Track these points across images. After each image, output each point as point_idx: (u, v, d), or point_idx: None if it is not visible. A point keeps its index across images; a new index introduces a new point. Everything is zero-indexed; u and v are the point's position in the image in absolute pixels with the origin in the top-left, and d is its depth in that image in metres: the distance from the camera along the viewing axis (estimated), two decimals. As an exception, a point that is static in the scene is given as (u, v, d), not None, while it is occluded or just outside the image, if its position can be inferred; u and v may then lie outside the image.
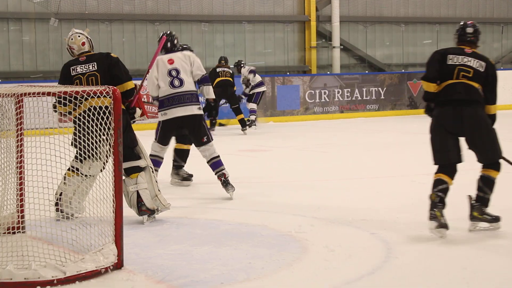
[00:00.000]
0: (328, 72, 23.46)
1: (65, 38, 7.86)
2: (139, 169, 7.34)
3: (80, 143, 6.38)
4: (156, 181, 7.54)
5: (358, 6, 24.51)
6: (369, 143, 15.25)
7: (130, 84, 7.70)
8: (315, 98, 21.72)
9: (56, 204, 6.88)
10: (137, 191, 7.30)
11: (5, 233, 6.33)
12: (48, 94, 6.10)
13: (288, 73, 22.53)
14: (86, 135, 6.34)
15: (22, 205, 6.62)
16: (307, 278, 5.53)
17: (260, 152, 14.04)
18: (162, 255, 6.19)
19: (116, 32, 20.99)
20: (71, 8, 20.27)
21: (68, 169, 7.09)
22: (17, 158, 6.48)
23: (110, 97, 5.85)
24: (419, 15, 25.39)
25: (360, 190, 9.36)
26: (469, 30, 7.14)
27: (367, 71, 24.14)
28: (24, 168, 6.64)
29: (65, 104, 6.42)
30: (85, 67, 7.56)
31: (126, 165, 6.87)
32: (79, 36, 7.73)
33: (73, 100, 6.33)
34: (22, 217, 6.64)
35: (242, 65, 19.30)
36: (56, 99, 6.64)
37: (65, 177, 7.14)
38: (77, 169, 7.18)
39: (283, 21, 23.45)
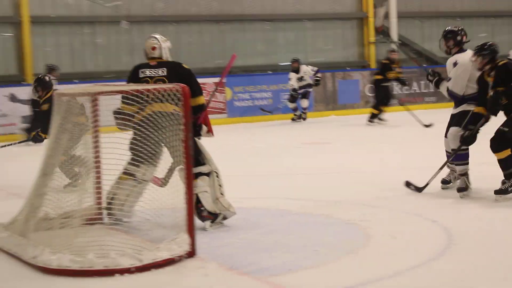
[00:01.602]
0: (387, 67, 23.21)
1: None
2: (200, 175, 6.80)
3: (138, 148, 6.42)
4: (220, 185, 6.97)
5: (415, 2, 24.23)
6: (430, 134, 15.05)
7: (201, 99, 7.14)
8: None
9: (107, 207, 6.71)
10: (197, 195, 6.72)
11: (85, 224, 6.45)
12: (121, 92, 6.19)
13: (348, 68, 22.39)
14: (145, 140, 6.38)
15: (100, 198, 6.73)
16: (370, 265, 5.51)
17: (322, 145, 13.99)
18: (232, 243, 6.22)
19: (183, 33, 21.09)
20: (141, 10, 20.43)
21: (123, 173, 6.82)
22: (94, 154, 6.58)
23: (180, 94, 5.90)
24: (475, 9, 24.96)
25: (422, 179, 9.24)
26: None
27: (424, 65, 23.84)
28: (101, 163, 6.75)
29: (131, 104, 6.39)
30: (155, 71, 7.06)
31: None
32: (152, 40, 7.39)
33: (138, 102, 6.35)
34: (100, 209, 6.74)
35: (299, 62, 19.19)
36: (122, 99, 6.63)
37: (118, 180, 6.83)
38: (132, 174, 6.79)
39: (342, 18, 23.30)
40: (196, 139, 6.81)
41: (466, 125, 7.91)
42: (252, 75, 20.86)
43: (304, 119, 19.10)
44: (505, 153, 7.61)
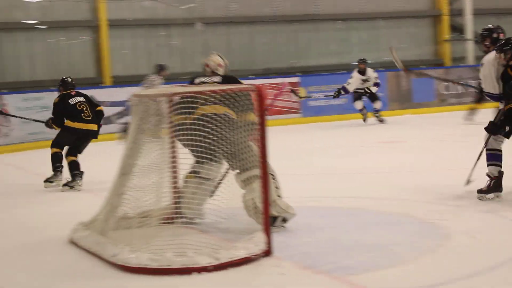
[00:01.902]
0: (462, 64, 22.86)
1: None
2: (255, 178, 6.50)
3: (195, 148, 6.41)
4: (277, 188, 6.77)
5: (490, -2, 23.84)
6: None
7: (252, 117, 6.83)
8: (450, 89, 21.23)
9: (176, 207, 6.69)
10: (254, 199, 6.47)
11: (162, 223, 6.50)
12: (197, 93, 6.21)
13: (422, 67, 22.10)
14: (200, 141, 6.37)
15: (177, 197, 6.77)
16: (449, 264, 5.42)
17: (398, 143, 13.84)
18: (308, 242, 6.19)
19: (257, 33, 21.15)
20: (215, 12, 20.56)
21: (189, 172, 6.86)
22: (171, 154, 6.63)
23: (255, 94, 5.89)
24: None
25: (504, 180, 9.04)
26: None
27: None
28: (177, 163, 6.80)
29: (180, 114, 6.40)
30: (210, 79, 7.25)
31: (242, 176, 6.55)
32: (219, 58, 7.50)
33: (194, 102, 6.40)
34: (178, 208, 6.78)
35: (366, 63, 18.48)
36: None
37: (185, 179, 6.87)
38: (197, 172, 6.80)
39: (416, 16, 23.04)
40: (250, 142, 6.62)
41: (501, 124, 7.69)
42: (326, 75, 20.77)
43: (382, 120, 18.29)
44: None
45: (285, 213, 6.67)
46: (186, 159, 6.55)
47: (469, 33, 23.01)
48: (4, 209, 8.85)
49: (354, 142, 14.60)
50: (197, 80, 7.29)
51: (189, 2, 20.29)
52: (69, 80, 11.51)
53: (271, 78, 19.62)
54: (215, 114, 6.41)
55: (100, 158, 13.85)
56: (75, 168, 10.37)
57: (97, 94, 17.55)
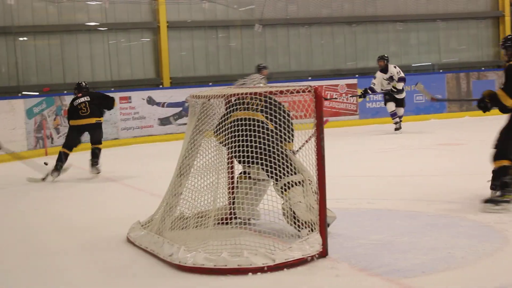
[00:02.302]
0: (524, 66, 22.48)
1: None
2: (293, 184, 6.40)
3: (239, 150, 6.40)
4: (316, 193, 6.33)
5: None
6: None
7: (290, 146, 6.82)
8: None
9: (231, 207, 6.72)
10: (291, 207, 6.35)
11: (218, 223, 6.52)
12: (254, 94, 6.22)
13: (483, 68, 21.81)
14: (243, 142, 6.35)
15: (233, 198, 6.78)
16: (509, 268, 5.33)
17: (457, 146, 13.67)
18: (364, 244, 6.15)
19: (315, 35, 21.12)
20: (274, 14, 20.59)
21: (241, 173, 6.84)
22: (227, 155, 6.66)
23: (312, 95, 5.88)
24: None
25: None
26: None
27: None
28: (234, 164, 6.82)
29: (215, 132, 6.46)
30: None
31: (279, 184, 6.38)
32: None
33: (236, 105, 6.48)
34: (234, 209, 6.79)
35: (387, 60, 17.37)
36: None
37: (238, 180, 6.84)
38: (248, 173, 6.74)
39: (476, 18, 22.74)
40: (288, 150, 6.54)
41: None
42: (384, 76, 20.63)
43: (398, 129, 17.17)
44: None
45: (329, 219, 6.49)
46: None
47: (531, 34, 22.64)
48: (64, 207, 8.99)
49: (412, 143, 14.47)
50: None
51: (248, 4, 20.36)
52: (83, 84, 12.63)
53: (329, 79, 19.57)
54: (253, 119, 6.41)
55: (158, 158, 13.99)
56: (59, 158, 11.79)
57: (155, 95, 17.74)
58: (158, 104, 17.72)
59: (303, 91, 5.93)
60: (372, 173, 10.52)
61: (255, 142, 6.27)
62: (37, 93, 17.09)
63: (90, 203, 9.18)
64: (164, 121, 17.76)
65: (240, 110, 6.55)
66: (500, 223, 6.65)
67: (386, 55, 17.27)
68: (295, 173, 6.39)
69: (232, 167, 6.99)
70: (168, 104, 17.79)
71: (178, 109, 17.85)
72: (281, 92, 6.07)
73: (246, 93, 6.25)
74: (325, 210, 5.88)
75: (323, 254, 5.74)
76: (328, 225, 6.31)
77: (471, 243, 6.02)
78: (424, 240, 6.20)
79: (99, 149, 12.10)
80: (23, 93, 17.34)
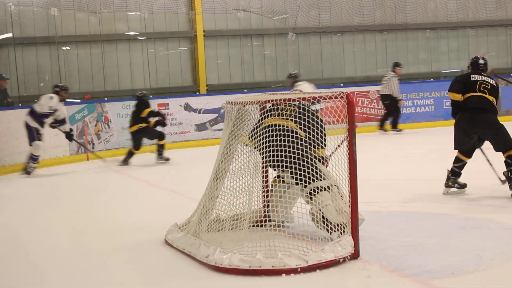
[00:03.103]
0: (552, 72, 22.30)
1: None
2: (320, 189, 6.37)
3: (272, 154, 6.40)
4: (342, 196, 6.36)
5: None
6: None
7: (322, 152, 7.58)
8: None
9: (265, 210, 6.83)
10: (321, 210, 6.31)
11: (253, 226, 6.54)
12: (288, 100, 6.24)
13: (511, 74, 21.60)
14: (273, 148, 6.36)
15: (268, 201, 6.81)
16: (536, 270, 5.29)
17: (487, 150, 13.52)
18: (394, 246, 6.13)
19: (347, 42, 21.08)
20: (307, 22, 20.59)
21: (276, 176, 6.88)
22: (262, 159, 6.68)
23: (344, 101, 5.88)
24: None
25: None
26: (481, 61, 8.91)
27: None
28: (268, 167, 6.84)
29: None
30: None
31: (306, 190, 6.35)
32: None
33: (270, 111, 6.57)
34: (268, 211, 6.82)
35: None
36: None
37: (273, 184, 6.88)
38: (282, 177, 6.78)
39: (506, 25, 22.54)
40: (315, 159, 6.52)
41: None
42: (415, 83, 20.54)
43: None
44: None
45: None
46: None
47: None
48: (104, 211, 9.07)
49: (441, 148, 14.36)
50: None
51: (282, 13, 20.38)
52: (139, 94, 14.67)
53: (360, 86, 19.51)
54: (283, 126, 6.43)
55: (195, 162, 14.04)
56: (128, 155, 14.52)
57: (192, 102, 17.82)
58: (195, 110, 17.79)
59: (336, 97, 5.94)
60: (402, 177, 10.49)
61: (285, 148, 6.29)
62: (79, 100, 17.24)
63: (130, 207, 9.25)
64: (200, 127, 17.83)
65: (273, 117, 6.58)
66: (528, 226, 6.61)
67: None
68: (322, 179, 6.39)
69: (266, 171, 7.01)
70: (205, 111, 17.86)
71: (214, 115, 17.91)
72: (314, 98, 6.08)
73: (280, 100, 6.27)
74: (357, 213, 5.88)
75: (355, 255, 5.75)
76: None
77: (499, 245, 5.99)
78: (453, 242, 6.18)
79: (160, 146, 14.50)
80: (66, 100, 17.52)
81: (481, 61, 8.99)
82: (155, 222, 7.77)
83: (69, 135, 14.08)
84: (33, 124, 13.36)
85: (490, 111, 8.54)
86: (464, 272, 5.28)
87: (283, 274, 5.37)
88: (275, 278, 5.34)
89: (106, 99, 17.69)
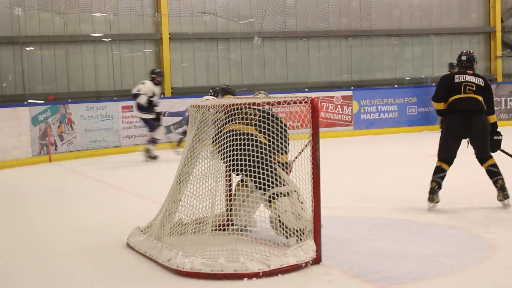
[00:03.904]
0: (514, 81, 22.58)
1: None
2: (280, 195, 6.34)
3: (233, 159, 6.40)
4: (302, 202, 6.33)
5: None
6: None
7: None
8: (501, 105, 20.94)
9: (228, 214, 6.78)
10: (279, 216, 6.31)
11: (216, 229, 6.53)
12: (253, 104, 6.23)
13: (474, 82, 21.82)
14: (234, 152, 6.36)
15: (231, 205, 6.80)
16: (495, 276, 5.34)
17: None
18: (356, 251, 6.15)
19: (312, 48, 21.14)
20: (273, 27, 20.61)
21: (238, 181, 6.87)
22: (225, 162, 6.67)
23: (308, 106, 5.89)
24: None
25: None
26: (463, 57, 8.55)
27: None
28: (231, 171, 6.82)
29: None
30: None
31: (266, 195, 6.36)
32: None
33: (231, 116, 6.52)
34: (231, 215, 6.81)
35: None
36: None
37: (236, 188, 6.88)
38: (245, 181, 6.77)
39: (469, 33, 22.78)
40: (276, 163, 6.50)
41: None
42: (379, 89, 20.69)
43: None
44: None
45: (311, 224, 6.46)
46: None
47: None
48: (66, 213, 8.99)
49: (405, 154, 14.48)
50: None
51: (248, 17, 20.38)
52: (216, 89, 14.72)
53: (325, 91, 19.59)
54: (244, 132, 6.44)
55: (159, 165, 14.00)
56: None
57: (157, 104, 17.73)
58: (159, 113, 17.72)
59: (300, 102, 5.95)
60: (365, 182, 10.54)
61: (245, 153, 6.28)
62: (42, 101, 17.08)
63: (93, 209, 9.17)
64: (165, 130, 17.77)
65: (235, 121, 6.57)
66: (488, 233, 6.66)
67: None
68: (282, 185, 6.38)
69: (229, 175, 6.99)
70: (169, 114, 17.78)
71: (179, 118, 17.84)
72: (278, 102, 6.08)
73: (244, 104, 6.26)
74: (319, 218, 5.88)
75: (317, 260, 5.75)
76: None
77: (460, 251, 6.04)
78: (414, 248, 6.21)
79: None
80: (29, 101, 17.35)
81: (464, 57, 8.56)
82: (117, 225, 7.72)
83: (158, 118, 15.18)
84: (145, 116, 14.80)
85: (483, 112, 8.12)
86: (425, 278, 5.31)
87: (245, 279, 5.36)
88: (237, 282, 5.33)
89: (69, 100, 17.54)
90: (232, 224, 6.70)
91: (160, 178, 10.99)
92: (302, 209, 6.29)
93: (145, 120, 15.06)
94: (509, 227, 6.99)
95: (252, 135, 6.40)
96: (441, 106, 8.24)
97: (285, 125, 6.56)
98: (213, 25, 20.07)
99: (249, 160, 6.27)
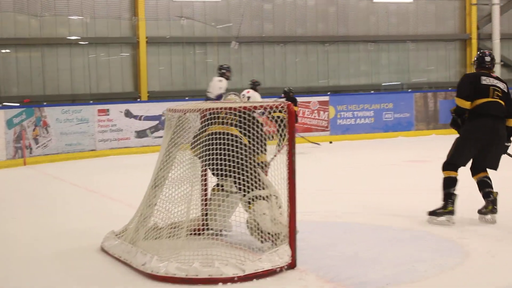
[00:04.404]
0: (489, 87, 22.71)
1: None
2: (259, 198, 6.37)
3: (213, 163, 6.41)
4: (280, 207, 6.34)
5: (519, 23, 23.70)
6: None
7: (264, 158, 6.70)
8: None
9: (203, 219, 6.73)
10: (256, 219, 6.36)
11: (191, 234, 6.51)
12: (228, 108, 6.23)
13: (450, 89, 21.97)
14: (216, 155, 6.36)
15: (206, 209, 6.79)
16: (468, 282, 5.38)
17: (423, 163, 13.75)
18: (332, 257, 6.17)
19: (289, 53, 21.18)
20: (250, 32, 20.63)
21: (214, 185, 6.84)
22: (201, 167, 6.66)
23: (284, 112, 5.90)
24: None
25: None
26: (487, 58, 7.90)
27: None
28: (208, 176, 6.82)
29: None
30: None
31: (246, 198, 6.38)
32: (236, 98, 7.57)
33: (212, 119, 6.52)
34: (206, 220, 6.80)
35: None
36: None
37: (212, 192, 6.85)
38: (221, 186, 6.74)
39: (445, 40, 22.93)
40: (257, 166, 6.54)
41: None
42: (355, 94, 20.77)
43: None
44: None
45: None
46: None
47: (497, 57, 22.89)
48: (40, 217, 8.92)
49: (380, 160, 14.54)
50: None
51: (225, 22, 20.39)
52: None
53: (302, 96, 19.64)
54: (227, 133, 6.44)
55: (134, 170, 13.95)
56: None
57: (133, 108, 17.70)
58: (135, 117, 17.66)
59: (276, 107, 5.96)
60: (340, 188, 10.56)
61: (228, 155, 6.28)
62: (18, 104, 16.97)
63: (67, 213, 9.12)
64: (140, 134, 17.71)
65: (215, 124, 6.57)
66: (462, 238, 6.71)
67: None
68: (262, 188, 6.39)
69: (205, 180, 6.98)
70: (145, 117, 17.75)
71: (155, 123, 17.81)
72: (255, 107, 6.09)
73: (221, 108, 6.27)
74: (295, 223, 5.89)
75: (292, 265, 5.76)
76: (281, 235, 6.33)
77: (434, 257, 6.07)
78: (389, 253, 6.24)
79: None
80: (4, 103, 17.22)
81: (487, 58, 7.93)
82: (91, 228, 7.69)
83: None
84: None
85: (503, 119, 7.70)
86: (399, 283, 5.34)
87: (220, 283, 5.35)
88: (212, 287, 5.32)
89: (45, 103, 17.43)
90: (208, 229, 6.69)
91: (135, 182, 10.93)
92: (280, 214, 6.27)
93: None
94: (483, 232, 7.03)
95: (235, 136, 6.39)
96: (468, 105, 7.64)
97: (262, 124, 6.58)
98: (190, 29, 20.06)
99: (233, 161, 6.26)
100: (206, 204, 6.82)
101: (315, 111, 19.38)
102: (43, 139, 16.20)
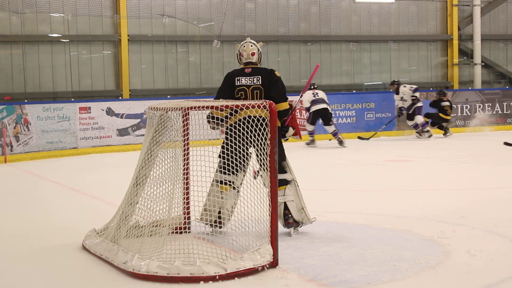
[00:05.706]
0: (470, 88, 22.87)
1: (238, 44, 7.56)
2: (285, 182, 6.94)
3: (231, 156, 6.41)
4: (301, 195, 7.08)
5: (499, 25, 23.81)
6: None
7: (284, 105, 7.20)
8: (457, 112, 21.23)
9: (217, 218, 6.71)
10: (285, 203, 6.92)
11: (173, 232, 6.51)
12: (211, 107, 6.23)
13: (431, 89, 22.09)
14: (239, 146, 6.36)
15: (188, 208, 6.79)
16: (449, 281, 5.39)
17: (404, 162, 13.82)
18: (313, 256, 6.18)
19: (272, 52, 21.20)
20: (232, 31, 20.64)
21: (222, 183, 6.84)
22: (183, 166, 6.64)
23: (266, 110, 5.90)
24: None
25: (507, 200, 9.00)
26: None
27: (507, 87, 23.41)
28: (190, 175, 6.81)
29: (221, 110, 6.17)
30: (250, 79, 7.19)
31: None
32: (251, 46, 7.45)
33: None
34: (188, 218, 6.80)
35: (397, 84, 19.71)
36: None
37: (221, 191, 6.83)
38: (232, 182, 6.81)
39: (426, 40, 23.05)
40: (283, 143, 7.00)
41: None
42: (337, 94, 20.81)
43: (430, 136, 19.53)
44: None
45: (308, 222, 7.07)
46: (198, 170, 6.53)
47: (477, 57, 23.05)
48: (21, 215, 8.88)
49: (361, 159, 14.58)
50: (237, 82, 7.20)
51: (207, 21, 20.38)
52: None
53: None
54: (254, 116, 6.18)
55: (115, 168, 13.92)
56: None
57: (115, 106, 17.64)
58: (117, 115, 17.61)
59: (258, 107, 5.96)
60: (322, 187, 10.58)
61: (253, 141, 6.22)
62: (-2, 101, 16.91)
63: (48, 211, 9.09)
64: (122, 132, 17.66)
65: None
66: (442, 238, 6.73)
67: (395, 80, 20.08)
68: (286, 171, 6.97)
69: (187, 178, 6.98)
70: (127, 116, 17.70)
71: (137, 121, 17.77)
72: (237, 106, 6.08)
73: (204, 107, 6.26)
74: (276, 222, 5.90)
75: (274, 264, 5.76)
76: (303, 223, 7.09)
77: (415, 256, 6.09)
78: (370, 252, 6.26)
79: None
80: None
81: None
82: (73, 227, 7.66)
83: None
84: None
85: None
86: (380, 282, 5.35)
87: (202, 282, 5.35)
88: (193, 286, 5.32)
89: (26, 101, 17.35)
90: (189, 228, 6.68)
91: (117, 180, 10.92)
92: (304, 204, 7.05)
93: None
94: (463, 232, 7.06)
95: (261, 117, 6.11)
96: None
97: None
98: (172, 28, 20.03)
99: (263, 143, 6.09)
100: (188, 202, 6.81)
101: (297, 111, 19.38)
102: (24, 137, 16.12)
